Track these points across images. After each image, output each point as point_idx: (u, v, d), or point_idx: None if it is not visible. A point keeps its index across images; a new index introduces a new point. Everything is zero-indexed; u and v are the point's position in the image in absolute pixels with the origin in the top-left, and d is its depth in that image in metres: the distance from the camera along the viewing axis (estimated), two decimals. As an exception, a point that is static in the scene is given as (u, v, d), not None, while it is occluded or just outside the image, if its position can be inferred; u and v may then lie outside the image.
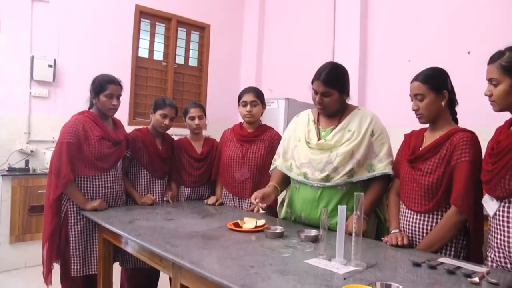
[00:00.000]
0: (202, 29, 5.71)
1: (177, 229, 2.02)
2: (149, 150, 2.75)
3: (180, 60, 5.55)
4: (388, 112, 3.28)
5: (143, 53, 5.22)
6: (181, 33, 5.55)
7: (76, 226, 2.40)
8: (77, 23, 4.60)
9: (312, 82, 2.09)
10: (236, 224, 2.06)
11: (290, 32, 5.48)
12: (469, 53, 3.67)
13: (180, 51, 5.55)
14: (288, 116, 4.43)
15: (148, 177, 2.78)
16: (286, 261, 1.54)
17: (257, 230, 2.00)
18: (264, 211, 2.33)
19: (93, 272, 2.43)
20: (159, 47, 5.37)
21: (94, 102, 2.50)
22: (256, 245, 1.77)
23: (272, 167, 2.39)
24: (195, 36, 5.69)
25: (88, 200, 2.42)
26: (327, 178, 2.06)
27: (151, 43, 5.30)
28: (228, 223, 2.08)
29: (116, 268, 2.56)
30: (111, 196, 2.53)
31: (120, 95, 2.54)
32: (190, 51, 5.67)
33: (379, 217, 2.18)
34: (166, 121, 2.76)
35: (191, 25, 5.61)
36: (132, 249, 2.08)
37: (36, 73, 4.31)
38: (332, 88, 2.05)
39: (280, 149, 2.37)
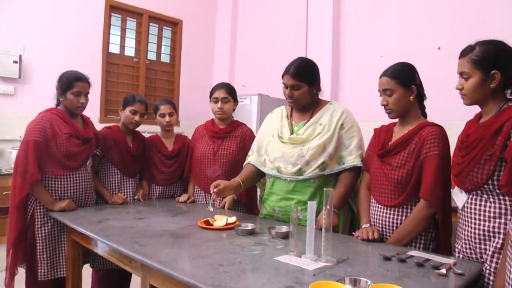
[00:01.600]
0: (174, 24, 5.64)
1: (147, 228, 1.98)
2: (120, 148, 2.70)
3: (152, 56, 5.47)
4: (361, 106, 3.31)
5: (114, 48, 5.12)
6: (153, 28, 5.46)
7: (43, 228, 2.32)
8: (44, 17, 4.46)
9: (282, 77, 2.12)
10: (207, 222, 2.03)
11: (263, 28, 5.47)
12: (439, 48, 3.74)
13: (152, 47, 5.46)
14: (261, 112, 4.44)
15: (118, 176, 2.72)
16: (256, 258, 1.53)
17: (228, 228, 1.98)
18: (212, 209, 2.20)
19: (62, 275, 2.36)
20: (130, 43, 5.27)
21: (61, 100, 2.42)
22: (226, 243, 1.75)
23: (245, 163, 2.39)
24: (167, 31, 5.61)
25: (56, 201, 2.34)
26: (300, 172, 2.08)
27: (122, 38, 5.20)
28: (198, 221, 2.06)
29: (87, 270, 2.50)
30: (80, 196, 2.46)
31: (88, 92, 2.46)
32: (162, 47, 5.59)
33: (353, 210, 2.19)
34: (136, 117, 2.71)
35: (163, 21, 5.53)
36: (101, 251, 2.03)
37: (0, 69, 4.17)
38: (301, 81, 2.08)
39: (254, 145, 2.39)
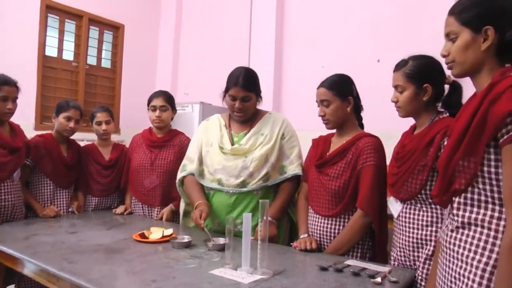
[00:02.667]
0: (116, 29, 5.45)
1: (79, 243, 1.87)
2: (53, 157, 2.55)
3: (92, 60, 5.24)
4: (303, 116, 3.34)
5: (51, 52, 4.86)
6: (93, 32, 5.24)
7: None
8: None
9: (228, 89, 2.06)
10: (142, 235, 1.96)
11: (207, 36, 5.44)
12: (378, 61, 3.85)
13: (92, 51, 5.24)
14: (202, 121, 4.33)
15: (51, 187, 2.58)
16: (191, 272, 1.49)
17: (164, 241, 1.91)
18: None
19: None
20: (69, 46, 5.02)
21: (-14, 106, 2.25)
22: (162, 256, 1.69)
23: (182, 173, 2.26)
24: (108, 36, 5.41)
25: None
26: (243, 184, 2.05)
27: (60, 41, 4.94)
28: (134, 234, 1.98)
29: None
30: (7, 210, 2.29)
31: (16, 97, 2.31)
32: (103, 51, 5.38)
33: (292, 220, 2.19)
34: (71, 124, 2.58)
35: (104, 24, 5.33)
36: (27, 270, 1.87)
37: None
38: (251, 92, 2.07)
39: (190, 154, 2.29)
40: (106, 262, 1.61)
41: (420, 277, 1.56)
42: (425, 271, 1.55)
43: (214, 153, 2.14)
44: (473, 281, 1.13)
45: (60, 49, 4.95)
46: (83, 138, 3.74)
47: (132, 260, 1.62)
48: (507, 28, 1.16)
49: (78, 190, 2.73)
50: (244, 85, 2.02)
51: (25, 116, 2.49)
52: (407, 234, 1.63)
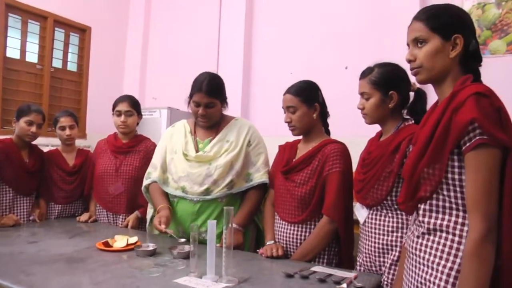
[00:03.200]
0: (83, 31, 5.33)
1: (38, 254, 1.79)
2: (13, 163, 2.45)
3: (57, 63, 5.10)
4: (271, 122, 3.33)
5: (13, 53, 4.69)
6: (59, 34, 5.10)
7: None
8: None
9: (192, 95, 2.04)
10: (106, 243, 1.90)
11: (175, 40, 5.39)
12: (346, 68, 3.90)
13: (58, 54, 5.09)
14: (168, 127, 4.29)
15: (11, 194, 2.47)
16: (155, 281, 1.45)
17: (128, 249, 1.86)
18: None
19: None
20: (32, 48, 4.86)
21: None
22: (125, 265, 1.64)
23: (147, 181, 2.24)
24: (74, 38, 5.28)
25: None
26: (207, 191, 2.02)
27: (23, 42, 4.78)
28: (97, 243, 1.92)
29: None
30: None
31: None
32: (69, 54, 5.24)
33: (259, 227, 2.18)
34: (33, 129, 2.48)
35: (70, 26, 5.19)
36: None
37: None
38: (215, 98, 2.04)
39: (154, 161, 2.25)
40: (66, 273, 1.54)
41: (386, 282, 1.58)
42: (390, 276, 1.57)
43: (179, 160, 2.11)
44: (438, 286, 1.15)
45: (23, 51, 4.79)
46: (48, 143, 3.63)
47: (94, 270, 1.57)
48: (470, 39, 1.20)
49: (40, 197, 2.63)
50: (207, 91, 2.00)
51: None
52: (373, 239, 1.64)
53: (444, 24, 1.21)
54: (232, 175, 2.03)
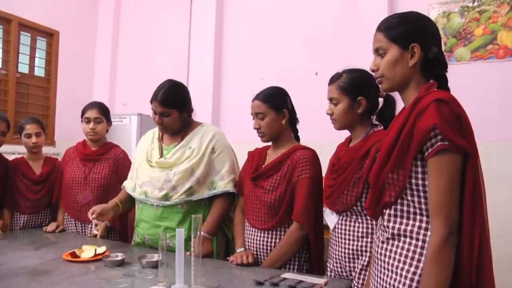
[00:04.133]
0: (50, 35, 5.20)
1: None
2: (-24, 172, 2.37)
3: (23, 68, 4.95)
4: (242, 128, 3.32)
5: (-26, 58, 4.55)
6: (25, 38, 4.96)
7: None
8: None
9: (151, 102, 2.04)
10: (73, 254, 1.84)
11: (145, 46, 5.34)
12: (316, 74, 3.94)
13: (24, 59, 4.95)
14: (140, 133, 4.26)
15: (-28, 205, 2.38)
16: (123, 293, 1.42)
17: (96, 259, 1.82)
18: (97, 232, 2.25)
19: None
20: (-4, 53, 4.73)
21: None
22: (92, 276, 1.60)
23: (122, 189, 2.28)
24: (41, 42, 5.15)
25: None
26: (166, 197, 2.01)
27: (-14, 47, 4.65)
28: (64, 254, 1.86)
29: None
30: None
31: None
32: (36, 59, 5.10)
33: (227, 236, 2.17)
34: None
35: (36, 30, 5.06)
36: None
37: None
38: (170, 108, 2.02)
39: (131, 168, 2.29)
40: (29, 286, 1.49)
41: (355, 287, 1.59)
42: (360, 281, 1.58)
43: (144, 166, 2.13)
44: (402, 290, 1.16)
45: (-14, 56, 4.64)
46: (14, 151, 3.52)
47: (59, 283, 1.52)
48: (429, 47, 1.23)
49: (4, 208, 2.54)
50: (161, 100, 1.99)
51: None
52: (343, 245, 1.65)
53: (401, 34, 1.24)
54: (192, 182, 2.01)
